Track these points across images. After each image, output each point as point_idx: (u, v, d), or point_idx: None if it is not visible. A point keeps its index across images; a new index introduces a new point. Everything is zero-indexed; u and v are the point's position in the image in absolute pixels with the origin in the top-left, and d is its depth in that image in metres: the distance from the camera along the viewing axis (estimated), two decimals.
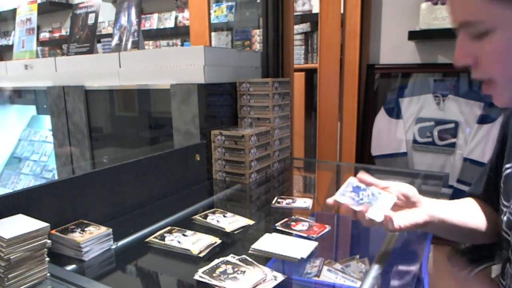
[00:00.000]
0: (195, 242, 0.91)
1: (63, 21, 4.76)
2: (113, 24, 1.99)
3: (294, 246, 0.88)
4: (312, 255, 0.87)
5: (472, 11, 0.57)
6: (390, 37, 1.96)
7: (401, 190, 0.78)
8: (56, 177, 2.20)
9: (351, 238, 1.25)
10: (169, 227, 1.00)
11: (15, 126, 2.62)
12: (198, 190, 1.42)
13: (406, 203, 0.78)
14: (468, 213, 0.84)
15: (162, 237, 0.95)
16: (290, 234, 0.97)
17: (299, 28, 2.88)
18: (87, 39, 1.93)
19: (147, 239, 0.95)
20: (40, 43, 4.74)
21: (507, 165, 0.76)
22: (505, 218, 0.73)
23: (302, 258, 0.83)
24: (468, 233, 0.82)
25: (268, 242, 0.91)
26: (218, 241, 0.93)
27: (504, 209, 0.74)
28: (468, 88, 1.80)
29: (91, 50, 1.90)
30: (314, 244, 0.89)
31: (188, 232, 0.97)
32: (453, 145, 1.80)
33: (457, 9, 0.60)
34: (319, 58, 2.01)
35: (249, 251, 0.87)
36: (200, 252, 0.88)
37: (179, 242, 0.92)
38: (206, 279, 0.73)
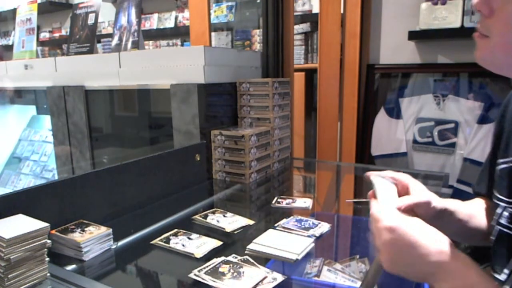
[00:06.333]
0: (199, 246, 0.91)
1: (63, 21, 4.77)
2: (113, 24, 1.99)
3: (290, 246, 0.87)
4: (312, 255, 0.86)
5: None
6: (390, 37, 1.96)
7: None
8: (56, 177, 2.20)
9: (351, 238, 1.25)
10: (175, 230, 0.99)
11: (15, 126, 2.62)
12: (198, 190, 1.42)
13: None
14: (477, 212, 0.83)
15: (167, 240, 0.94)
16: (290, 234, 0.97)
17: (299, 28, 2.88)
18: (87, 39, 1.93)
19: (152, 241, 0.94)
20: (40, 43, 4.74)
21: (501, 160, 0.76)
22: (506, 214, 0.73)
23: (297, 259, 0.82)
24: (474, 233, 0.82)
25: (265, 242, 0.90)
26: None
27: (503, 204, 0.74)
28: (468, 88, 1.80)
29: (91, 50, 1.90)
30: (310, 240, 0.88)
31: (194, 235, 0.96)
32: (453, 145, 1.80)
33: None
34: (319, 58, 2.01)
35: (245, 251, 0.86)
36: (203, 256, 0.87)
37: (183, 245, 0.91)
38: (206, 279, 0.73)
